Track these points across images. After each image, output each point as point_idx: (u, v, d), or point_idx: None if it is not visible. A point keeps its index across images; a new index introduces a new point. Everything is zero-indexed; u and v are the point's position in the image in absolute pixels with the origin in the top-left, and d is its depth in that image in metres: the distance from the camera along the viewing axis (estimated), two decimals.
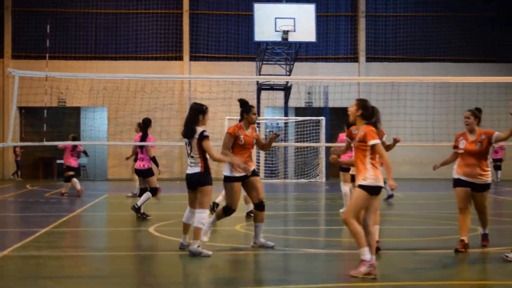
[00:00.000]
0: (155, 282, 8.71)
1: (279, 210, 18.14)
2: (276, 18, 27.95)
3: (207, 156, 10.39)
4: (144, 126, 16.02)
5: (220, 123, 30.90)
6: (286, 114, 30.79)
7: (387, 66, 33.47)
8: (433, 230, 14.01)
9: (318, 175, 31.32)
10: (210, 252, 10.39)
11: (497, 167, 30.85)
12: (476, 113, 11.03)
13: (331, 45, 33.86)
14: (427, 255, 10.52)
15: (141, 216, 15.43)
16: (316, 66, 33.16)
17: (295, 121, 31.74)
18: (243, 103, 11.14)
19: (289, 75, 29.21)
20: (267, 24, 27.87)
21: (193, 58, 33.16)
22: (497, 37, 33.73)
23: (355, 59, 33.84)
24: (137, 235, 13.25)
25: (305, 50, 32.80)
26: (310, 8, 28.27)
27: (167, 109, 31.66)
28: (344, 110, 12.47)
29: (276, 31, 27.77)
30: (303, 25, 28.03)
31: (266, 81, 30.12)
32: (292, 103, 31.74)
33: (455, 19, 33.96)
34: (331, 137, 29.05)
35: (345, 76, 32.07)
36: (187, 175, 10.55)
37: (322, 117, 30.59)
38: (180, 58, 33.11)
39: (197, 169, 10.38)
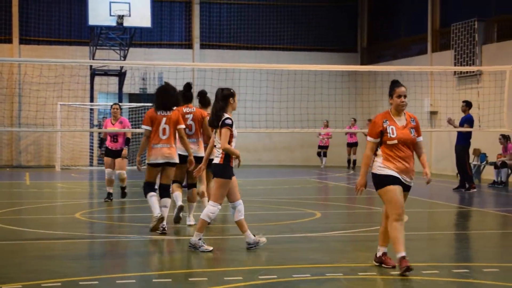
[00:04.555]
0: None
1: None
2: (110, 2, 27.58)
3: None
4: None
5: (52, 108, 30.18)
6: (120, 100, 30.45)
7: (221, 53, 33.78)
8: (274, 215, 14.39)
9: None
10: (210, 248, 9.94)
11: (324, 154, 31.85)
12: None
13: (166, 31, 33.80)
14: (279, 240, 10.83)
15: None
16: (151, 52, 32.99)
17: (129, 107, 31.47)
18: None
19: (124, 60, 28.92)
20: (101, 8, 27.45)
21: (23, 41, 32.12)
22: (327, 27, 34.80)
23: (189, 46, 33.93)
24: None
25: (140, 36, 32.54)
26: None
27: None
28: None
29: (111, 15, 27.41)
30: (138, 10, 27.84)
31: (100, 66, 29.71)
32: (127, 89, 31.48)
33: (286, 8, 34.74)
34: None
35: (180, 62, 32.10)
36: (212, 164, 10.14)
37: None
38: (9, 41, 31.97)
39: (217, 160, 9.95)
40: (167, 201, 11.56)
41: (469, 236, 12.36)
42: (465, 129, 19.57)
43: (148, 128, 11.46)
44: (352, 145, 31.20)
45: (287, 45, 34.52)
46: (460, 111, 20.35)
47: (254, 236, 10.09)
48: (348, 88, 30.47)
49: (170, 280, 8.22)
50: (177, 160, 11.56)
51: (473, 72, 25.62)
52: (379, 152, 8.56)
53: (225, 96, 9.99)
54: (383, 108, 29.76)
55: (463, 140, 19.91)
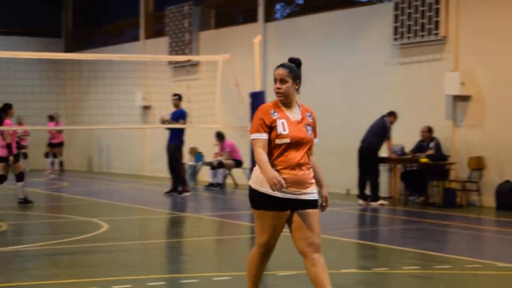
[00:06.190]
0: None
1: None
2: None
3: None
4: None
5: None
6: None
7: None
8: None
9: None
10: None
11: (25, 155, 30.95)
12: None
13: None
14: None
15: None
16: None
17: None
18: None
19: None
20: None
21: None
22: (25, 6, 33.90)
23: None
24: None
25: None
26: None
27: None
28: None
29: None
30: None
31: None
32: None
33: None
34: None
35: None
36: None
37: None
38: None
39: None
40: None
41: (180, 244, 12.57)
42: (176, 125, 19.82)
43: None
44: (54, 146, 30.58)
45: None
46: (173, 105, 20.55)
47: None
48: (49, 78, 29.89)
49: None
50: None
51: (189, 61, 26.10)
52: None
53: None
54: (90, 103, 29.63)
55: (176, 138, 20.18)
